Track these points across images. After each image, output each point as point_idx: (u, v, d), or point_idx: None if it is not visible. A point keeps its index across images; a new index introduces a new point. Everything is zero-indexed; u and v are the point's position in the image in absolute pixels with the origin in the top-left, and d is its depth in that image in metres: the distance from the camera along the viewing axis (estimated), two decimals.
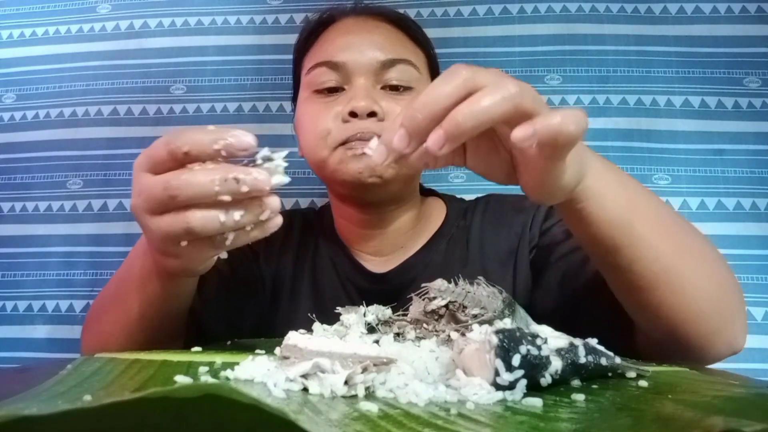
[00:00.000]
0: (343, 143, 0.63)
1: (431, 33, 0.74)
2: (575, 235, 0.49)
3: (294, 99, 0.75)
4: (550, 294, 0.62)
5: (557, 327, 0.38)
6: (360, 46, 0.66)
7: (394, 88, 0.66)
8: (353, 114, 0.63)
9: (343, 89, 0.66)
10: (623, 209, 0.45)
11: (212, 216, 0.37)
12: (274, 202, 0.38)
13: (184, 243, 0.38)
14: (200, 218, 0.37)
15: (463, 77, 0.35)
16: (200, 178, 0.36)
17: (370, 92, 0.64)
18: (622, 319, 0.52)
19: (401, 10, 0.80)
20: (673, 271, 0.46)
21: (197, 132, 0.37)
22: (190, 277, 0.50)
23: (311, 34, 0.72)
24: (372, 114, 0.63)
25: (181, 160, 0.37)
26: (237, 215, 0.37)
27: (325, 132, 0.64)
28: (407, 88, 0.66)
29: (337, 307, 0.51)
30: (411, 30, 0.71)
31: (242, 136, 0.36)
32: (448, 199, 0.77)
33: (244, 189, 0.36)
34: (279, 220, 0.40)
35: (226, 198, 0.36)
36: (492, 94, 0.34)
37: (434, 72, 0.73)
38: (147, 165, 0.39)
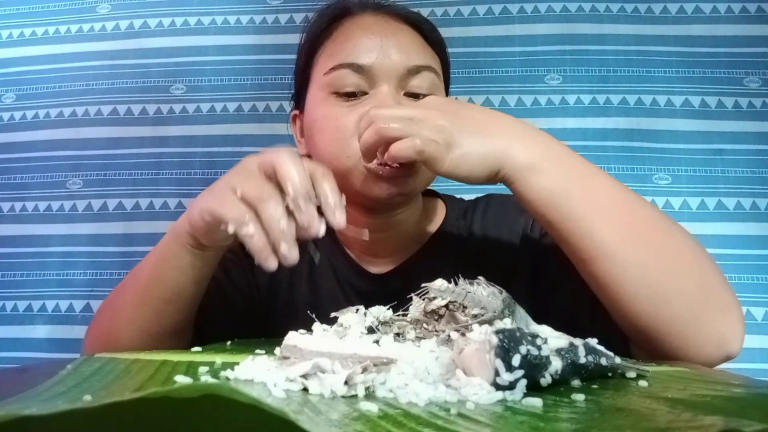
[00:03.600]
0: None
1: None
2: None
3: (295, 96, 0.74)
4: (551, 298, 0.62)
5: (559, 329, 0.38)
6: (387, 49, 0.64)
7: (415, 95, 0.64)
8: None
9: (364, 93, 0.64)
10: (554, 191, 0.51)
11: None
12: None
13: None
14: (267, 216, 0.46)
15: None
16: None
17: (396, 98, 0.63)
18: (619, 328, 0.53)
19: None
20: (614, 244, 0.49)
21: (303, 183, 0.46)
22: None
23: (325, 28, 0.69)
24: None
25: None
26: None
27: (349, 136, 0.62)
28: (426, 96, 0.63)
29: (335, 311, 0.51)
30: (430, 34, 0.69)
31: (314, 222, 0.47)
32: (448, 199, 0.76)
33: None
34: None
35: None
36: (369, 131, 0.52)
37: (447, 77, 0.72)
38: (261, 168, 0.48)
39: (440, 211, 0.74)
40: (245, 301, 0.71)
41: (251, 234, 0.45)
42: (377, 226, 0.69)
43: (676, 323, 0.49)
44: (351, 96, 0.64)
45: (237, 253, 0.74)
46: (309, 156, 0.68)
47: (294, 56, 0.74)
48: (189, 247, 0.53)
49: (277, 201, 0.45)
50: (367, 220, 0.69)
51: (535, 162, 0.51)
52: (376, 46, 0.64)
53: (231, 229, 0.46)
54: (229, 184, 0.48)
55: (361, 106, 0.63)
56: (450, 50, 0.72)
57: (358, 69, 0.63)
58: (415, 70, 0.64)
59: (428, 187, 0.79)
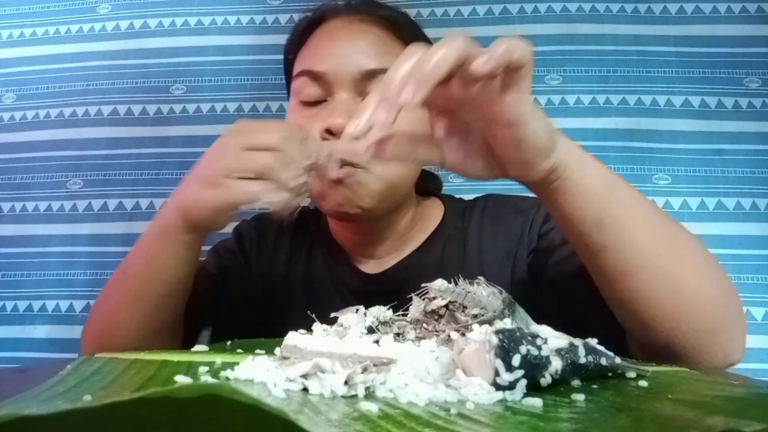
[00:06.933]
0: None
1: (431, 33, 0.73)
2: (557, 220, 0.49)
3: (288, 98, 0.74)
4: (547, 298, 0.62)
5: (557, 329, 0.38)
6: (342, 55, 0.61)
7: None
8: (329, 131, 0.59)
9: (326, 101, 0.62)
10: (604, 184, 0.46)
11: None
12: None
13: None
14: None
15: (422, 48, 0.39)
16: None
17: (351, 107, 0.60)
18: (616, 325, 0.52)
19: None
20: (656, 255, 0.46)
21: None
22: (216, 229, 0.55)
23: (302, 34, 0.68)
24: None
25: None
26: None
27: None
28: None
29: (330, 309, 0.51)
30: (404, 31, 0.66)
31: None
32: (447, 199, 0.76)
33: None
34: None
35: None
36: (444, 47, 0.38)
37: None
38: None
39: (438, 212, 0.74)
40: (240, 296, 0.71)
41: (275, 201, 0.48)
42: (366, 230, 0.69)
43: (698, 336, 0.48)
44: (314, 104, 0.63)
45: (233, 251, 0.74)
46: None
47: None
48: (181, 239, 0.54)
49: (286, 165, 0.47)
50: (354, 225, 0.68)
51: (583, 154, 0.46)
52: (333, 51, 0.62)
53: (257, 206, 0.48)
54: (222, 170, 0.49)
55: (319, 116, 0.61)
56: None
57: (314, 76, 0.62)
58: (371, 74, 0.61)
59: (426, 188, 0.79)
